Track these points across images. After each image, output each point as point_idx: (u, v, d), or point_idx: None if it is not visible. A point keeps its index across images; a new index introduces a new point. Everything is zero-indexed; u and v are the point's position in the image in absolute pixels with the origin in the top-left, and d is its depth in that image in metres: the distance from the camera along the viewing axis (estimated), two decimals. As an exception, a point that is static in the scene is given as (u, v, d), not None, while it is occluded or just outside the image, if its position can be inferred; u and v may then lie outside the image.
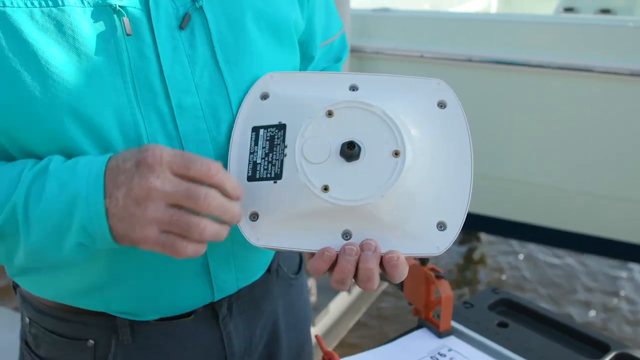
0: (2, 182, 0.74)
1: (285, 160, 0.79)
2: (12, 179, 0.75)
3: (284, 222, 0.79)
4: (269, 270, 1.08)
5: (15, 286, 1.05)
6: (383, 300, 3.65)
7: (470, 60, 3.14)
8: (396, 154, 0.76)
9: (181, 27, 0.84)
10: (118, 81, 0.79)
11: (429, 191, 0.78)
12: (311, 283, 2.95)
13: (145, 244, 0.72)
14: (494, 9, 5.48)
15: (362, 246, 0.77)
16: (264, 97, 0.85)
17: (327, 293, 3.11)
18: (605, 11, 4.84)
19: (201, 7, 0.85)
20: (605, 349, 1.14)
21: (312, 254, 0.79)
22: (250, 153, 0.82)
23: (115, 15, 0.79)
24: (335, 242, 0.77)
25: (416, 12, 3.75)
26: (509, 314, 1.28)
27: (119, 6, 0.79)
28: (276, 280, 1.11)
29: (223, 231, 0.74)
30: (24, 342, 1.04)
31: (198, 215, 0.71)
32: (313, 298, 3.01)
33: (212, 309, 1.00)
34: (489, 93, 3.20)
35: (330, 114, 0.78)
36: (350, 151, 0.76)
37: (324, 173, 0.77)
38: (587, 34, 3.03)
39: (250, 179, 0.81)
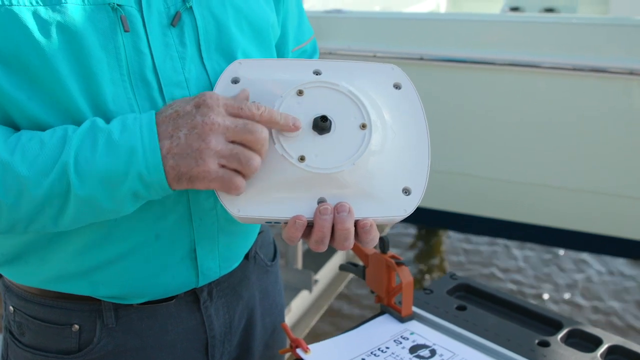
0: (47, 145, 0.78)
1: None
2: (57, 141, 0.78)
3: (263, 193, 0.84)
4: (247, 257, 1.12)
5: None
6: (342, 304, 3.69)
7: (421, 59, 3.21)
8: (363, 126, 0.84)
9: (172, 25, 0.90)
10: (116, 75, 0.85)
11: (393, 160, 0.86)
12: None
13: (203, 179, 0.78)
14: (442, 9, 5.57)
15: (337, 208, 0.83)
16: (235, 81, 0.91)
17: (288, 293, 3.13)
18: (549, 10, 4.96)
19: (191, 7, 0.91)
20: (558, 326, 1.18)
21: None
22: None
23: (113, 13, 0.84)
24: (312, 211, 0.84)
25: (368, 13, 3.80)
26: (467, 298, 1.32)
27: (117, 4, 0.84)
28: (253, 266, 1.15)
29: None
30: (8, 331, 1.05)
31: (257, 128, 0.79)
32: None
33: (193, 293, 1.03)
34: (441, 90, 3.26)
35: (300, 93, 0.86)
36: (323, 124, 0.83)
37: (299, 145, 0.83)
38: (533, 31, 3.13)
39: None
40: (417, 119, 0.90)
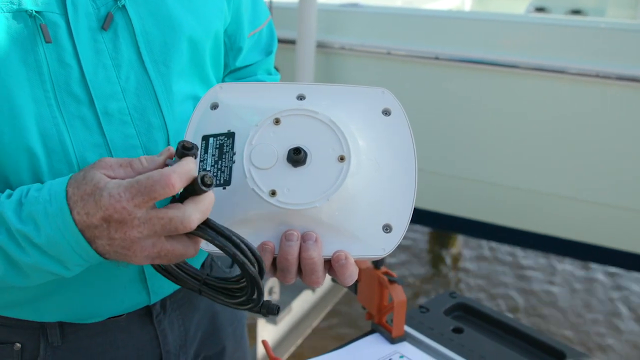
0: None
1: (234, 167, 0.80)
2: None
3: (233, 227, 0.78)
4: (202, 265, 1.07)
5: None
6: (351, 299, 3.63)
7: (437, 58, 3.12)
8: (341, 158, 0.78)
9: (103, 28, 0.81)
10: (38, 91, 0.77)
11: (374, 194, 0.80)
12: (274, 282, 2.91)
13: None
14: (467, 7, 5.46)
15: (303, 237, 0.77)
16: (214, 107, 0.86)
17: (291, 292, 3.08)
18: (576, 12, 4.85)
19: (124, 6, 0.83)
20: (561, 357, 1.12)
21: None
22: (200, 161, 0.83)
23: (32, 21, 0.76)
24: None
25: (385, 8, 3.70)
26: (465, 319, 1.26)
27: (35, 12, 0.76)
28: (210, 274, 1.08)
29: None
30: None
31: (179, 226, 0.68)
32: (275, 296, 2.97)
33: (145, 307, 0.97)
34: (455, 92, 3.17)
35: (277, 121, 0.80)
36: (296, 157, 0.78)
37: (272, 178, 0.78)
38: (558, 34, 3.02)
39: None
40: (405, 149, 0.83)
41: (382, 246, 0.79)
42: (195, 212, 0.67)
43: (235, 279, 0.76)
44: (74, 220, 0.67)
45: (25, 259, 0.71)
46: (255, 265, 0.71)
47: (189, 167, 0.67)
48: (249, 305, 0.76)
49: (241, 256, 0.70)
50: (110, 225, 0.67)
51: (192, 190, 0.68)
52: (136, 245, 0.68)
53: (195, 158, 0.70)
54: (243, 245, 0.70)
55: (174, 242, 0.69)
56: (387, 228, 0.79)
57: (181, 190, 0.67)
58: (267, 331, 2.92)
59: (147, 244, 0.68)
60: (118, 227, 0.66)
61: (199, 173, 0.68)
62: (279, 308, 0.77)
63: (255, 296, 0.74)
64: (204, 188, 0.67)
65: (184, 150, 0.69)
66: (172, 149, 0.70)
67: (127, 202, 0.65)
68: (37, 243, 0.70)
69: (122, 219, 0.66)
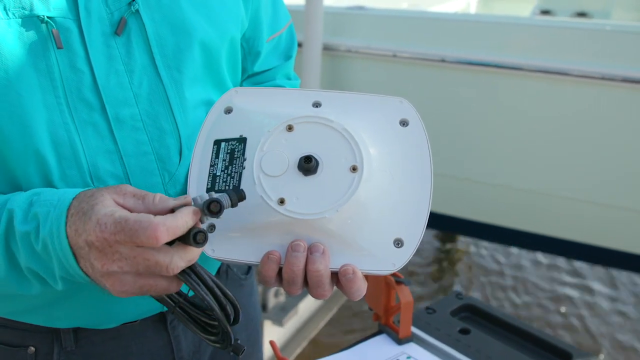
0: None
1: (244, 173, 0.79)
2: None
3: (240, 235, 0.79)
4: (218, 272, 1.06)
5: None
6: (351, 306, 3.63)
7: (443, 61, 3.12)
8: (354, 169, 0.76)
9: (116, 33, 0.81)
10: (50, 97, 0.77)
11: (386, 207, 0.78)
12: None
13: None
14: (473, 9, 5.46)
15: (310, 248, 0.75)
16: (228, 111, 0.86)
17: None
18: (582, 14, 4.85)
19: (137, 10, 0.82)
20: (567, 357, 1.12)
21: None
22: (211, 166, 0.82)
23: (44, 27, 0.76)
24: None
25: (391, 11, 3.70)
26: (471, 320, 1.26)
27: (47, 17, 0.76)
28: (225, 281, 1.09)
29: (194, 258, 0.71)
30: None
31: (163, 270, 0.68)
32: (282, 298, 2.98)
33: (159, 313, 0.97)
34: (461, 95, 3.17)
35: (290, 128, 0.79)
36: (307, 165, 0.76)
37: (281, 186, 0.77)
38: (563, 37, 3.02)
39: (209, 191, 0.81)
40: (421, 161, 0.80)
41: (392, 261, 0.77)
42: (181, 260, 0.67)
43: (209, 315, 0.75)
44: (66, 233, 0.68)
45: (20, 258, 0.72)
46: (232, 317, 0.72)
47: (181, 224, 0.66)
48: (217, 345, 0.75)
49: (219, 313, 0.70)
50: (91, 251, 0.67)
51: (185, 236, 0.67)
52: (114, 278, 0.68)
53: (219, 216, 0.69)
54: (222, 299, 0.70)
55: (157, 278, 0.69)
56: (398, 243, 0.77)
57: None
58: (273, 332, 2.93)
59: (127, 280, 0.68)
60: (97, 256, 0.67)
61: (192, 229, 0.66)
62: (244, 350, 0.76)
63: (224, 340, 0.74)
64: (194, 245, 0.67)
65: (209, 211, 0.68)
66: (190, 198, 0.69)
67: (109, 234, 0.65)
68: (34, 245, 0.71)
69: (102, 249, 0.66)
